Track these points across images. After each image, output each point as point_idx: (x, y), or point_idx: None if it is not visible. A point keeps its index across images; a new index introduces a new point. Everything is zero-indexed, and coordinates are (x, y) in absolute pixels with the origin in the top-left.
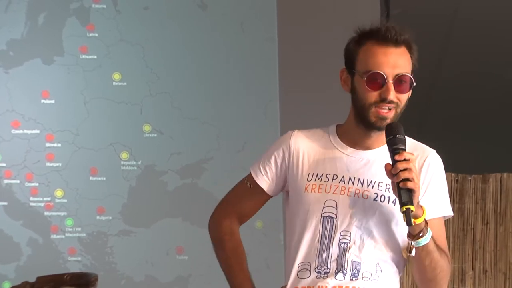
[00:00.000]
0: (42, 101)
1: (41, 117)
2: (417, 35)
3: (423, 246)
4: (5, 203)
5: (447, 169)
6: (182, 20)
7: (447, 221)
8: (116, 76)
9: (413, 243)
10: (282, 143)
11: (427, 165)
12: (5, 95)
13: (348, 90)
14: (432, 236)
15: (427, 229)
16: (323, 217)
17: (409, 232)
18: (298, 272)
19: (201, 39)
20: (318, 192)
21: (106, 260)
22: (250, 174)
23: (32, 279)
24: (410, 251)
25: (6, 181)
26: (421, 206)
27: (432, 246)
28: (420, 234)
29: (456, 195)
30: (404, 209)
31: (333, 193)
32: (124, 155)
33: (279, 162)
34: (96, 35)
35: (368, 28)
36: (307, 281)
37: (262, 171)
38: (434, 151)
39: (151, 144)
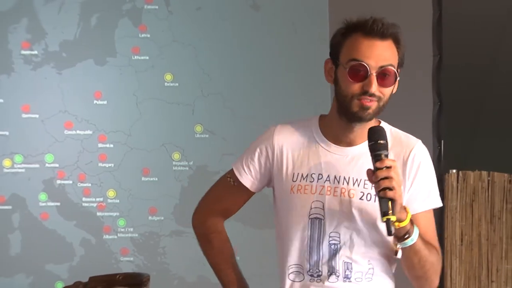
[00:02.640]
0: (95, 102)
1: (94, 118)
2: (470, 34)
3: (410, 246)
4: (58, 204)
5: (500, 169)
6: (234, 21)
7: (500, 222)
8: (168, 76)
9: (398, 246)
10: (265, 140)
11: (412, 157)
12: (58, 96)
13: (331, 81)
14: (419, 234)
15: (413, 229)
16: (311, 218)
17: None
18: (290, 274)
19: (253, 40)
20: (304, 193)
21: (159, 260)
22: (232, 171)
23: (84, 279)
24: (396, 254)
25: (59, 181)
26: (405, 208)
27: (420, 244)
28: (406, 236)
29: (509, 196)
30: (385, 220)
31: (319, 193)
32: (176, 156)
33: (262, 160)
34: (148, 35)
35: (355, 20)
36: (300, 284)
37: (245, 169)
38: (419, 141)
39: (203, 145)
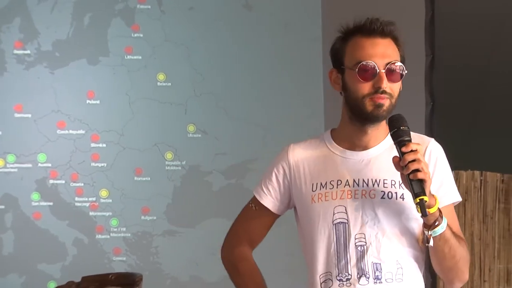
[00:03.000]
0: (88, 101)
1: (87, 117)
2: (463, 34)
3: (440, 234)
4: (51, 203)
5: (493, 169)
6: (227, 21)
7: (492, 221)
8: (161, 76)
9: (430, 233)
10: (281, 159)
11: (429, 154)
12: (50, 95)
13: (339, 89)
14: (447, 224)
15: (442, 217)
16: (335, 224)
17: (424, 223)
18: (321, 284)
19: (246, 39)
20: (325, 200)
21: (151, 260)
22: (254, 197)
23: (77, 278)
24: (428, 242)
25: (51, 181)
26: (433, 195)
27: (449, 233)
28: (436, 223)
29: (502, 195)
30: (418, 200)
31: (340, 198)
32: (169, 155)
33: (280, 179)
34: (141, 35)
35: (352, 24)
36: None
37: (265, 191)
38: (433, 139)
39: (196, 144)
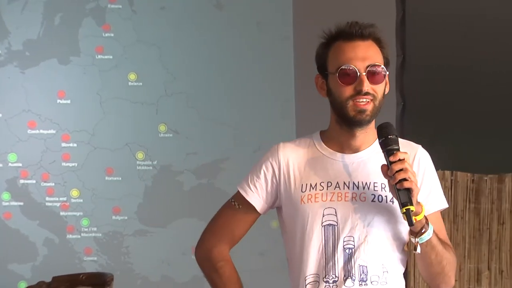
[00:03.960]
0: (58, 101)
1: (57, 117)
2: (435, 34)
3: (427, 241)
4: (21, 203)
5: (463, 169)
6: (198, 20)
7: (463, 221)
8: (132, 76)
9: (417, 240)
10: (270, 157)
11: (418, 161)
12: (21, 95)
13: (325, 94)
14: (434, 230)
15: (428, 224)
16: (324, 225)
17: (411, 230)
18: (306, 285)
19: (217, 39)
20: (315, 201)
21: (122, 260)
22: (237, 194)
23: (48, 279)
24: (415, 249)
25: (22, 181)
26: (419, 203)
27: (436, 240)
28: (423, 231)
29: (472, 195)
30: (404, 210)
31: (330, 200)
32: (140, 155)
33: (269, 177)
34: (112, 35)
35: (333, 30)
36: None
37: (252, 188)
38: (420, 146)
39: (167, 144)
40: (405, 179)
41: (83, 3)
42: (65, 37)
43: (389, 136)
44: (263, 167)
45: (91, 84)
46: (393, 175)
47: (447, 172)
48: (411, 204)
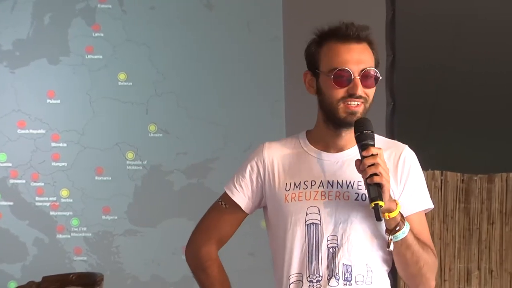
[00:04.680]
0: (48, 101)
1: (47, 117)
2: (425, 34)
3: (402, 239)
4: (11, 203)
5: (453, 169)
6: (188, 20)
7: (453, 221)
8: (122, 76)
9: (391, 237)
10: (255, 156)
11: (403, 160)
12: (11, 95)
13: (314, 92)
14: (411, 229)
15: (404, 222)
16: (307, 224)
17: (386, 227)
18: (289, 285)
19: (207, 39)
20: (299, 200)
21: (112, 259)
22: (224, 195)
23: (38, 278)
24: (388, 246)
25: (12, 181)
26: (394, 200)
27: (411, 239)
28: (397, 228)
29: (462, 195)
30: (373, 205)
31: (314, 199)
32: (130, 155)
33: (254, 176)
34: (102, 35)
35: (327, 28)
36: None
37: (237, 187)
38: (407, 146)
39: (157, 144)
40: (375, 174)
41: (72, 3)
42: (55, 37)
43: (364, 131)
44: (249, 166)
45: (81, 84)
46: (365, 169)
47: (437, 172)
48: (381, 200)
